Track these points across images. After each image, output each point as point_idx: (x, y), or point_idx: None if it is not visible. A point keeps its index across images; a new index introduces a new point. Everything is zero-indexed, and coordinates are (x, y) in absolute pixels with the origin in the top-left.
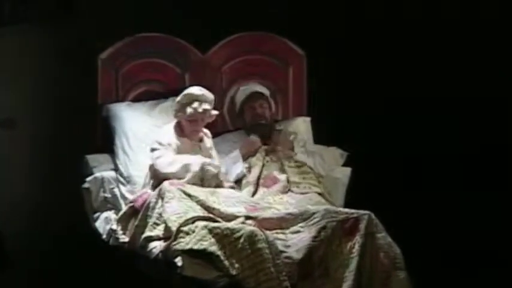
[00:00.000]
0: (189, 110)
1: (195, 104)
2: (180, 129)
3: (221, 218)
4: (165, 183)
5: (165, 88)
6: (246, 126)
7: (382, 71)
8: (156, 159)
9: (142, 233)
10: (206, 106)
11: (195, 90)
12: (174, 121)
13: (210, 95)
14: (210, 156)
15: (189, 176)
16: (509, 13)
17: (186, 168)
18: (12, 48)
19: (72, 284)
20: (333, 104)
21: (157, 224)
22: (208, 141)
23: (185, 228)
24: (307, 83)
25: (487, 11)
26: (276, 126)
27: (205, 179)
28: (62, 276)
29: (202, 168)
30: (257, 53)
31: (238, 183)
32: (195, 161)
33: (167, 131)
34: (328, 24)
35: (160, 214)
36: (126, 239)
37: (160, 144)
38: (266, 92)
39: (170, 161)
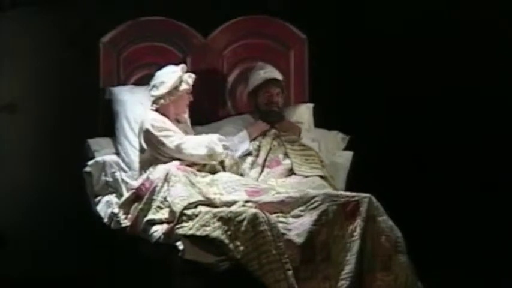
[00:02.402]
0: (190, 79)
1: (188, 73)
2: (164, 115)
3: (222, 205)
4: (172, 168)
5: None
6: (258, 108)
7: (384, 55)
8: (181, 145)
9: (145, 216)
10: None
11: (176, 66)
12: (151, 111)
13: None
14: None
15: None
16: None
17: (211, 150)
18: (14, 32)
19: (74, 268)
20: (334, 88)
21: (161, 208)
22: (186, 120)
23: (188, 212)
24: (309, 66)
25: (488, 11)
26: (283, 114)
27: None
28: (63, 260)
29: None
30: (258, 37)
31: (243, 158)
32: (214, 140)
33: (159, 117)
34: (330, 8)
35: (164, 198)
36: (128, 223)
37: (166, 129)
38: (281, 77)
39: (193, 145)
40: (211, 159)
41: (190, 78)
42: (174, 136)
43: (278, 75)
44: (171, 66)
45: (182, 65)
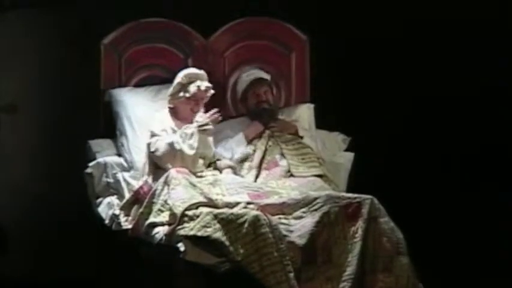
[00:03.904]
0: (192, 88)
1: (198, 83)
2: (174, 114)
3: (224, 206)
4: (172, 171)
5: (168, 73)
6: (250, 111)
7: (385, 56)
8: (156, 152)
9: (146, 219)
10: (207, 84)
11: (194, 69)
12: (165, 109)
13: (205, 74)
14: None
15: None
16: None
17: (171, 147)
18: (14, 33)
19: (75, 269)
20: (335, 89)
21: (162, 211)
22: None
23: (189, 213)
24: (310, 68)
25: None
26: (278, 114)
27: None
28: (64, 261)
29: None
30: (259, 38)
31: (241, 164)
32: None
33: (160, 119)
34: (331, 9)
35: (165, 201)
36: (129, 226)
37: (153, 135)
38: (268, 76)
39: (162, 145)
40: (182, 161)
41: (193, 87)
42: (154, 141)
43: (262, 75)
44: (192, 69)
45: (189, 72)
